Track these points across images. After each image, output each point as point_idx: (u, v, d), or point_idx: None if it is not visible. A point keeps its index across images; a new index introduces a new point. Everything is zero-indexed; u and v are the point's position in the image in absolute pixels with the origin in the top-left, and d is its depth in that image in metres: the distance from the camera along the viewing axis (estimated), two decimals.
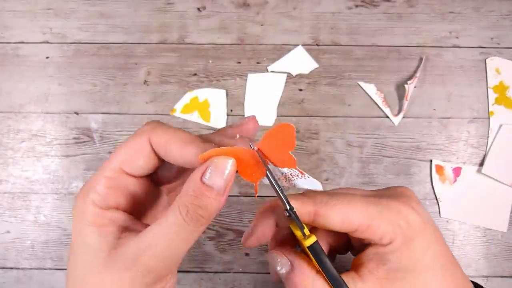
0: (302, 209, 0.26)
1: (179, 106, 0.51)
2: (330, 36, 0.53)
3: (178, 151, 0.24)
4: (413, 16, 0.53)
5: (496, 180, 0.49)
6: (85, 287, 0.24)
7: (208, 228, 0.50)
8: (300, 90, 0.52)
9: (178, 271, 0.51)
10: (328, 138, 0.51)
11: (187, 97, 0.52)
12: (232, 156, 0.23)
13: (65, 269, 0.50)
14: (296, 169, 0.28)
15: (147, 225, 0.24)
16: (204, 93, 0.52)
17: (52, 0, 0.54)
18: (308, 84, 0.52)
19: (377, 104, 0.51)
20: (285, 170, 0.26)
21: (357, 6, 0.53)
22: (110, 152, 0.51)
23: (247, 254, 0.49)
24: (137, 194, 0.26)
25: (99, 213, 0.24)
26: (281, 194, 0.25)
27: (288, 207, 0.25)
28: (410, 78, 0.52)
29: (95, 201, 0.24)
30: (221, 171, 0.22)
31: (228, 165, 0.22)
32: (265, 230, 0.28)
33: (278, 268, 0.26)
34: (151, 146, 0.25)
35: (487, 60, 0.52)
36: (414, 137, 0.51)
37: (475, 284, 0.29)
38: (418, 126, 0.51)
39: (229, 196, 0.48)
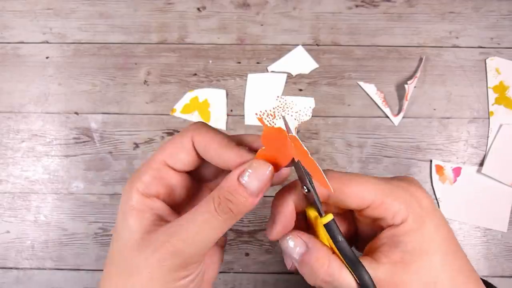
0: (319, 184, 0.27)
1: (179, 106, 0.51)
2: (330, 36, 0.53)
3: (215, 153, 0.25)
4: (413, 16, 0.53)
5: (496, 180, 0.49)
6: (118, 266, 0.26)
7: None
8: (300, 90, 0.52)
9: None
10: (328, 138, 0.51)
11: (187, 97, 0.52)
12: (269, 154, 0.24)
13: (65, 269, 0.50)
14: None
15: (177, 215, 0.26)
16: (204, 93, 0.52)
17: (52, 0, 0.54)
18: (308, 84, 0.52)
19: (377, 104, 0.51)
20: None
21: (357, 6, 0.53)
22: (110, 152, 0.51)
23: (247, 254, 0.49)
24: (177, 187, 0.28)
25: (140, 199, 0.26)
26: (302, 168, 0.25)
27: (308, 183, 0.25)
28: (410, 78, 0.52)
29: (139, 189, 0.26)
30: (259, 175, 0.24)
31: (267, 171, 0.24)
32: (287, 216, 0.28)
33: (293, 250, 0.27)
34: (193, 144, 0.26)
35: (487, 60, 0.52)
36: (414, 137, 0.51)
37: (486, 283, 0.29)
38: (418, 126, 0.51)
39: None
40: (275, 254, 0.49)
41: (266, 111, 0.24)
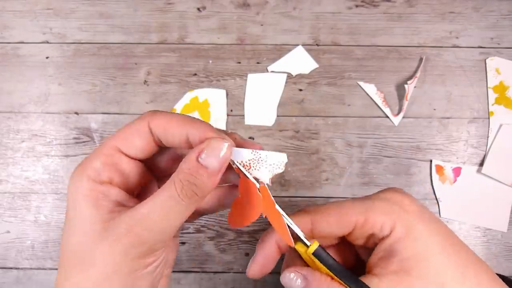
0: (300, 221, 0.27)
1: (179, 106, 0.51)
2: (330, 36, 0.53)
3: (178, 131, 0.24)
4: (413, 16, 0.53)
5: (496, 180, 0.49)
6: (78, 258, 0.24)
7: (208, 228, 0.50)
8: (300, 90, 0.52)
9: (178, 271, 0.51)
10: (328, 138, 0.51)
11: (187, 97, 0.52)
12: (246, 185, 0.24)
13: None
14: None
15: (134, 201, 0.25)
16: (204, 93, 0.52)
17: (52, 0, 0.54)
18: (308, 84, 0.52)
19: (377, 104, 0.51)
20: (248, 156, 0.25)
21: (357, 6, 0.53)
22: None
23: (247, 254, 0.49)
24: (131, 175, 0.27)
25: (94, 187, 0.25)
26: (279, 209, 0.25)
27: (285, 219, 0.26)
28: (410, 78, 0.52)
29: (90, 176, 0.25)
30: (217, 153, 0.23)
31: (224, 147, 0.23)
32: (268, 254, 0.29)
33: (293, 285, 0.27)
34: (150, 130, 0.25)
35: (487, 60, 0.52)
36: (414, 137, 0.51)
37: (501, 277, 0.29)
38: (418, 126, 0.51)
39: None
40: None
41: (242, 162, 0.24)
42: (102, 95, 0.52)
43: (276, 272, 0.49)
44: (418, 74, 0.51)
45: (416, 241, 0.26)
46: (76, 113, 0.52)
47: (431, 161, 0.50)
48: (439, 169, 0.50)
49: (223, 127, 0.51)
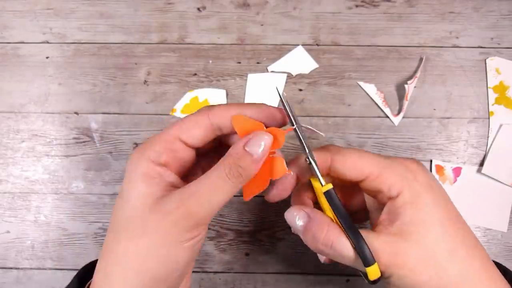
0: (320, 156, 0.30)
1: (179, 106, 0.51)
2: (330, 36, 0.53)
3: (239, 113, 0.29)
4: (413, 16, 0.53)
5: (496, 180, 0.49)
6: (130, 226, 0.27)
7: (208, 228, 0.50)
8: (300, 90, 0.52)
9: None
10: (328, 138, 0.51)
11: (187, 97, 0.52)
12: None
13: (66, 269, 0.50)
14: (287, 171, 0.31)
15: (183, 182, 0.28)
16: (204, 93, 0.52)
17: (52, 0, 0.54)
18: (308, 84, 0.52)
19: (377, 104, 0.51)
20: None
21: (357, 6, 0.53)
22: (110, 152, 0.51)
23: (247, 254, 0.49)
24: (186, 162, 0.30)
25: (152, 167, 0.28)
26: (303, 142, 0.29)
27: (308, 155, 0.29)
28: (410, 78, 0.52)
29: (150, 157, 0.28)
30: (260, 143, 0.27)
31: (266, 140, 0.28)
32: (286, 183, 0.32)
33: (297, 221, 0.30)
34: (210, 121, 0.29)
35: (487, 60, 0.52)
36: (414, 137, 0.51)
37: (496, 264, 0.30)
38: (418, 126, 0.51)
39: None
40: (275, 254, 0.49)
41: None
42: (102, 95, 0.52)
43: (276, 272, 0.49)
44: (418, 74, 0.51)
45: (419, 210, 0.27)
46: (76, 113, 0.52)
47: (431, 161, 0.50)
48: (439, 169, 0.50)
49: None
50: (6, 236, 0.50)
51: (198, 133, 0.29)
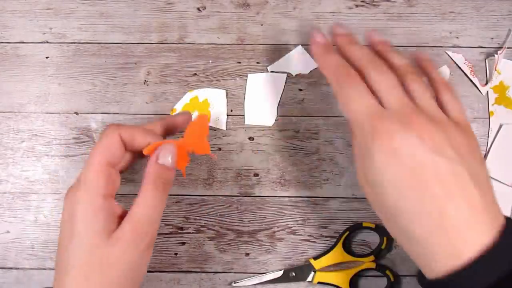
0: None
1: (179, 106, 0.51)
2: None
3: (142, 140, 0.34)
4: (413, 16, 0.53)
5: (497, 180, 0.49)
6: (94, 262, 0.30)
7: (208, 228, 0.50)
8: (300, 90, 0.52)
9: (178, 271, 0.51)
10: (328, 138, 0.51)
11: (187, 97, 0.52)
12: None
13: None
14: (209, 154, 0.40)
15: (122, 208, 0.33)
16: (204, 93, 0.52)
17: (52, 0, 0.54)
18: (308, 84, 0.52)
19: (465, 74, 0.51)
20: None
21: (357, 6, 0.53)
22: None
23: (247, 254, 0.50)
24: (117, 184, 0.34)
25: (103, 202, 0.31)
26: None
27: None
28: None
29: (100, 193, 0.31)
30: (167, 153, 0.33)
31: (171, 148, 0.34)
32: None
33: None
34: (122, 139, 0.33)
35: (487, 60, 0.52)
36: None
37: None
38: None
39: (229, 196, 0.49)
40: (275, 254, 0.49)
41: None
42: (102, 95, 0.52)
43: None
44: (506, 45, 0.50)
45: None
46: (76, 113, 0.52)
47: None
48: None
49: (223, 127, 0.51)
50: (6, 236, 0.50)
51: (120, 155, 0.33)
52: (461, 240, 0.28)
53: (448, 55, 0.52)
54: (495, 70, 0.50)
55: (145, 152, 0.34)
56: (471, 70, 0.51)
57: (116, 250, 0.30)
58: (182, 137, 0.36)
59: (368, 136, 0.31)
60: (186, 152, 0.37)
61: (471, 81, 0.51)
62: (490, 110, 0.51)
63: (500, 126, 0.50)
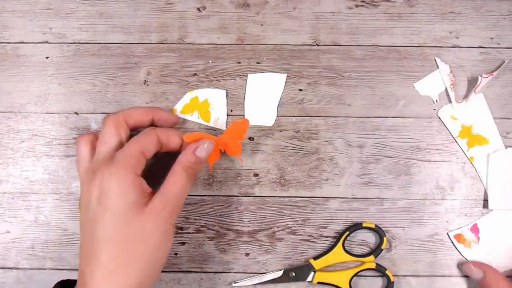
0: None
1: (179, 106, 0.51)
2: (330, 36, 0.53)
3: (177, 140, 0.41)
4: (413, 16, 0.53)
5: (508, 210, 0.48)
6: (129, 235, 0.33)
7: (208, 228, 0.50)
8: (300, 90, 0.52)
9: (178, 271, 0.51)
10: (328, 138, 0.51)
11: (187, 97, 0.52)
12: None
13: (65, 269, 0.50)
14: (238, 157, 0.47)
15: (149, 187, 0.38)
16: (204, 93, 0.52)
17: (52, 0, 0.54)
18: (308, 84, 0.52)
19: (444, 85, 0.51)
20: None
21: (357, 6, 0.53)
22: None
23: (247, 254, 0.50)
24: (143, 169, 0.38)
25: (136, 178, 0.36)
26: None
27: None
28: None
29: (135, 171, 0.36)
30: (204, 148, 0.40)
31: (211, 145, 0.41)
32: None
33: (474, 275, 0.45)
34: (158, 139, 0.40)
35: (439, 114, 0.52)
36: (414, 137, 0.51)
37: None
38: (418, 126, 0.51)
39: (229, 196, 0.49)
40: (275, 254, 0.49)
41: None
42: (102, 95, 0.52)
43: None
44: (495, 73, 0.50)
45: None
46: (76, 113, 0.52)
47: (448, 234, 0.49)
48: (459, 237, 0.49)
49: (223, 127, 0.51)
50: (6, 236, 0.50)
51: (153, 149, 0.39)
52: None
53: (436, 62, 0.51)
54: (474, 91, 0.49)
55: (185, 138, 0.41)
56: (451, 83, 0.51)
57: (150, 222, 0.34)
58: (222, 133, 0.42)
59: None
60: (219, 149, 0.43)
61: (447, 93, 0.51)
62: (468, 156, 0.50)
63: (488, 155, 0.50)
